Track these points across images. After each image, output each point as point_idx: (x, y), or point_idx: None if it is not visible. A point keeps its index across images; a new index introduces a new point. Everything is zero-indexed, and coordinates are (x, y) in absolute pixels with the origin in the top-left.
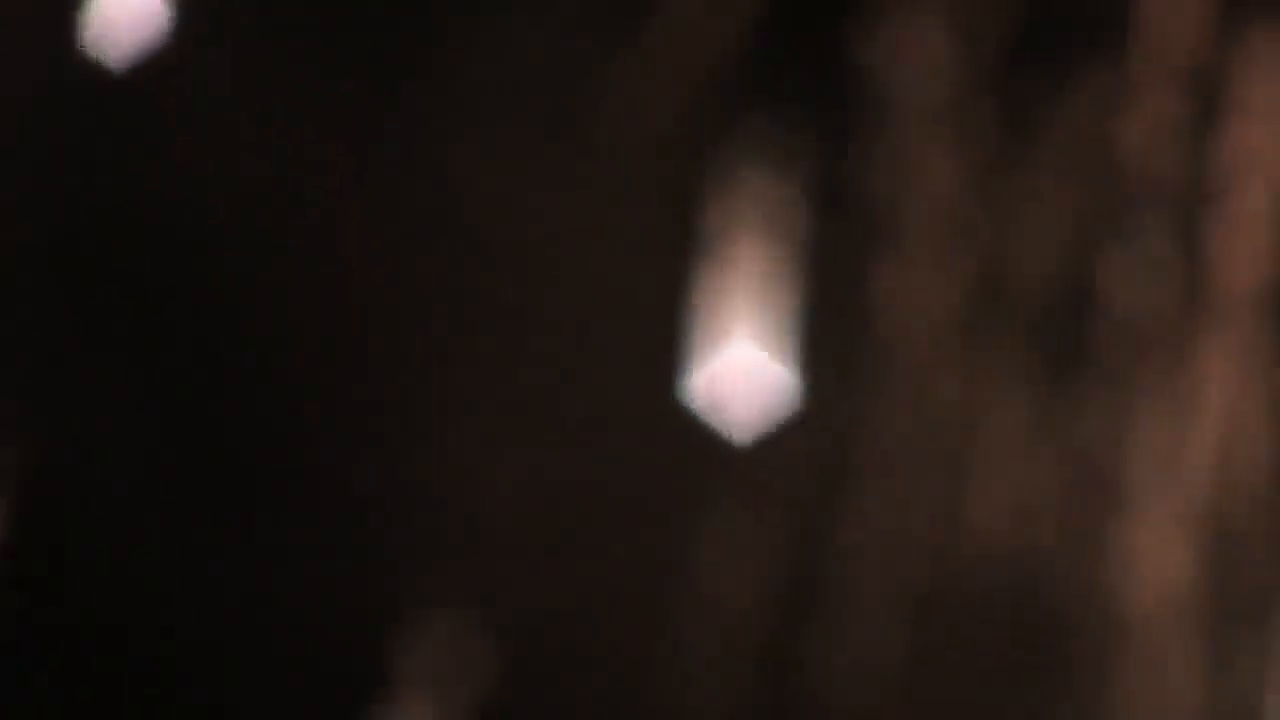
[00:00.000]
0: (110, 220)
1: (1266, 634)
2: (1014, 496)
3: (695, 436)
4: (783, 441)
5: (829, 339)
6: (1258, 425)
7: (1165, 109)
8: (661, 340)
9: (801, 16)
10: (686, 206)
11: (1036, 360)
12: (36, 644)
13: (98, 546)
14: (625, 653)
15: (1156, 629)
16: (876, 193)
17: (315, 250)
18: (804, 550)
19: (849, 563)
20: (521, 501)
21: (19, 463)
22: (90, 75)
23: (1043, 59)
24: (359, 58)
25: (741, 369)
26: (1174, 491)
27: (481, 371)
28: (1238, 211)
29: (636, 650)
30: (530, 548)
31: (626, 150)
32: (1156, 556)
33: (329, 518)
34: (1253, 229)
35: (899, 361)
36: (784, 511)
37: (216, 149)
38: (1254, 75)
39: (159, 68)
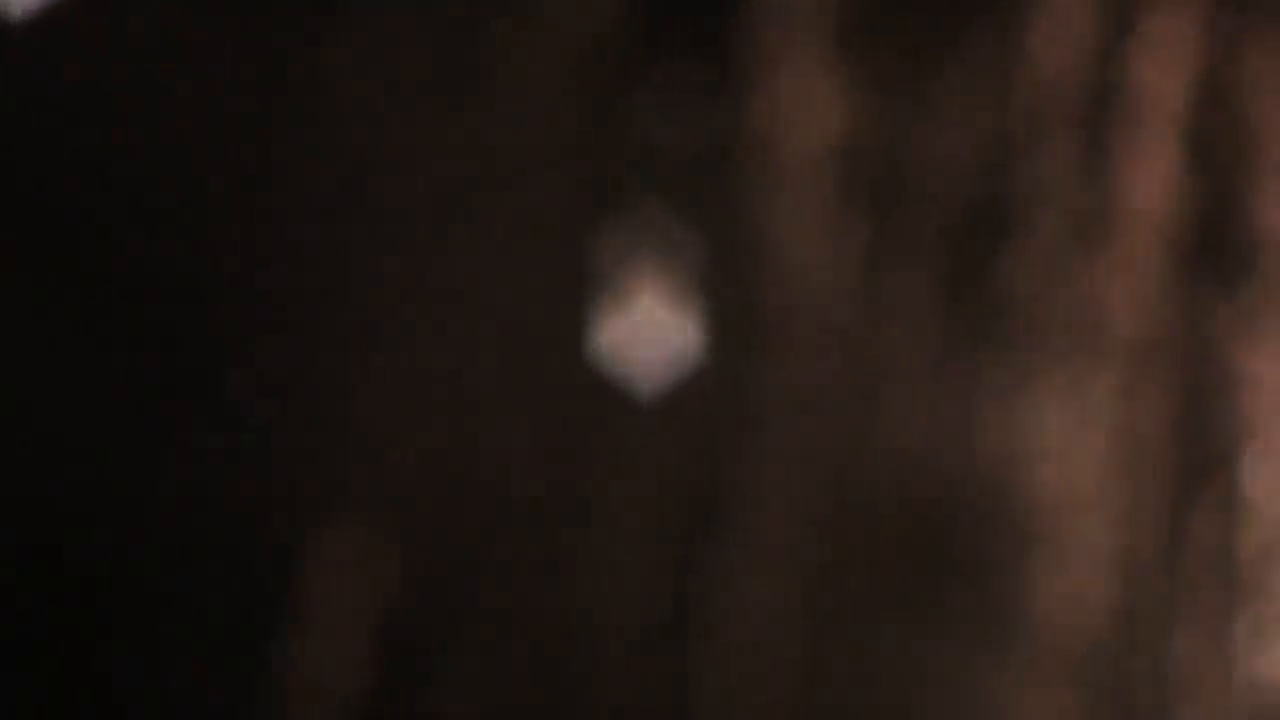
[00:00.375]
0: (11, 170)
1: (1172, 539)
2: (922, 423)
3: (601, 393)
4: (688, 396)
5: (731, 290)
6: (1163, 346)
7: (1074, 31)
8: (565, 298)
9: None
10: (585, 164)
11: (942, 290)
12: None
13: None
14: (535, 582)
15: (1065, 530)
16: (776, 138)
17: (223, 199)
18: (711, 497)
19: (757, 498)
20: (430, 459)
21: None
22: None
23: None
24: (261, 8)
25: (645, 325)
26: (1082, 409)
27: (389, 329)
28: (1144, 139)
29: (545, 577)
30: (440, 496)
31: (525, 108)
32: (1063, 461)
33: (240, 447)
34: (1159, 155)
35: (803, 305)
36: (691, 463)
37: (120, 100)
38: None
39: (61, 18)
